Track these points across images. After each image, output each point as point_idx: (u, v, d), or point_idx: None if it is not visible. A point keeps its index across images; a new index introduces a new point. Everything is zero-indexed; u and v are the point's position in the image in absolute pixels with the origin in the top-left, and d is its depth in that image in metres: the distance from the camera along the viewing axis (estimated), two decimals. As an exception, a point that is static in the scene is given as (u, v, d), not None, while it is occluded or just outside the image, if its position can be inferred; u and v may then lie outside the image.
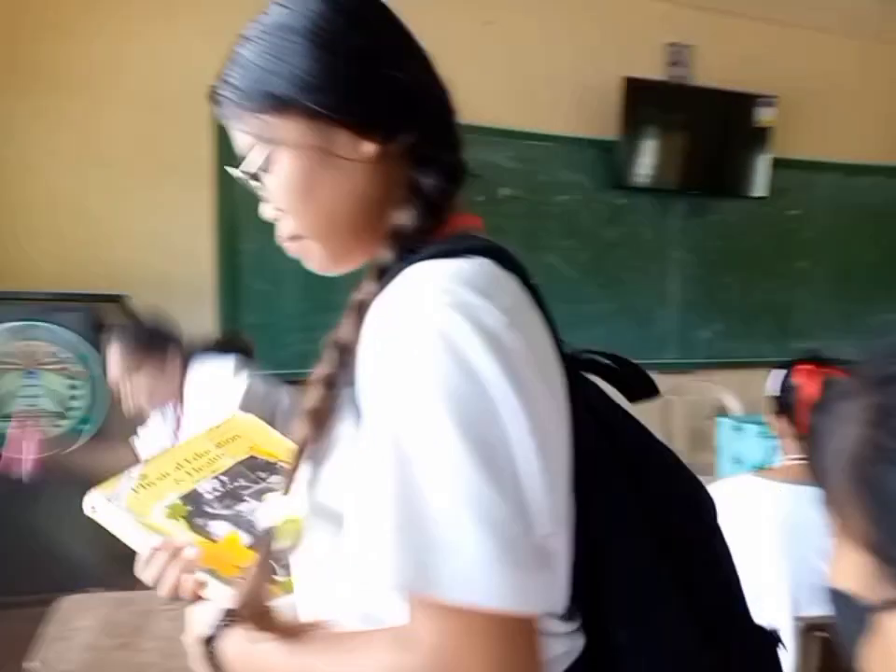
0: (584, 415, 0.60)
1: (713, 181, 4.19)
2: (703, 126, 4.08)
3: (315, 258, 0.68)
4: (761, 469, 1.71)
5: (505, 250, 0.60)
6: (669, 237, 4.23)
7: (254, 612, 0.65)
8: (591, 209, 4.05)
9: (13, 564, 1.85)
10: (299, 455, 0.61)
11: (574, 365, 0.66)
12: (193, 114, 3.28)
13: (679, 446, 3.70)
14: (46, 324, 2.63)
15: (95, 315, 2.71)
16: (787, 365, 1.48)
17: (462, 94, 3.17)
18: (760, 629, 0.70)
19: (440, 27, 3.64)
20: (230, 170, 0.68)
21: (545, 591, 0.51)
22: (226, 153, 3.35)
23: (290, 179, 0.63)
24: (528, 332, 0.55)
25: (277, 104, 0.61)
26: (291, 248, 0.68)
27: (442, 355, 0.49)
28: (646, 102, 3.95)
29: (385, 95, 0.63)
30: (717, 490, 1.49)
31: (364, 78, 0.62)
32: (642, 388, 0.72)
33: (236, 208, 3.34)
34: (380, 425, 0.51)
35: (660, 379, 3.34)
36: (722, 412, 3.62)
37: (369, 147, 0.62)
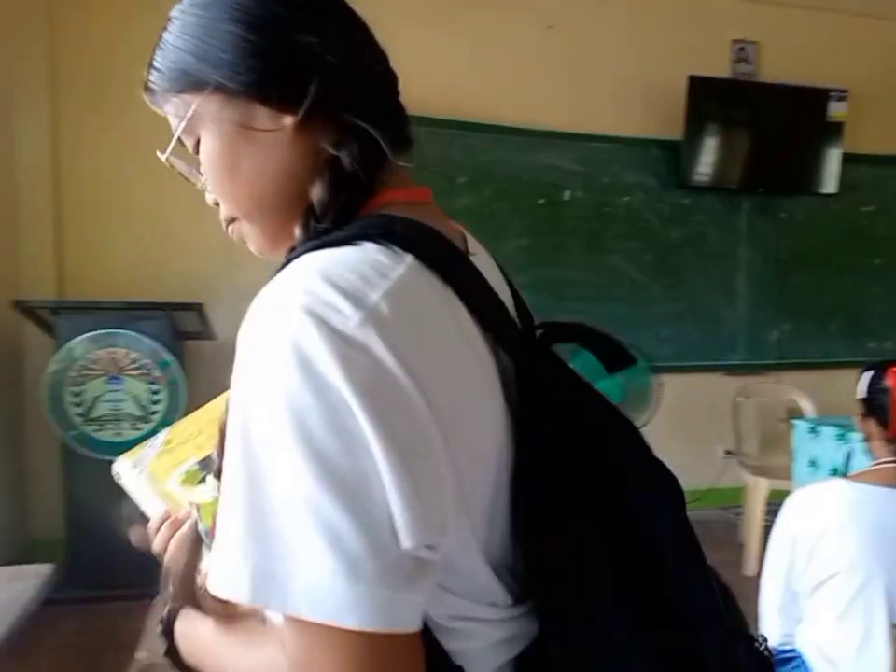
0: (543, 410, 0.58)
1: (781, 178, 4.10)
2: (770, 122, 4.00)
3: (252, 239, 0.66)
4: (842, 473, 1.67)
5: (412, 228, 0.56)
6: (736, 236, 4.16)
7: (186, 592, 0.67)
8: (655, 209, 4.01)
9: (115, 558, 1.93)
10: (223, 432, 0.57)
11: (539, 343, 0.66)
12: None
13: (749, 449, 3.63)
14: (127, 331, 2.74)
15: (173, 322, 2.81)
16: (876, 366, 1.44)
17: (525, 99, 3.23)
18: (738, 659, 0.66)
19: (502, 33, 3.70)
20: (159, 155, 0.66)
21: (406, 605, 0.47)
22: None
23: (213, 158, 0.62)
24: (413, 325, 0.50)
25: (193, 82, 0.60)
26: (231, 232, 0.67)
27: (290, 364, 0.46)
28: (711, 100, 3.89)
29: (299, 66, 0.59)
30: (805, 495, 1.47)
31: (276, 50, 0.59)
32: (619, 357, 0.70)
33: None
34: (234, 434, 0.48)
35: (728, 380, 3.35)
36: (794, 414, 3.54)
37: (288, 119, 0.60)
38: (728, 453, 3.93)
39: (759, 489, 3.25)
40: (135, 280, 3.19)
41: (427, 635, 0.51)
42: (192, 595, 0.67)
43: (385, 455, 0.46)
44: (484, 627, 0.57)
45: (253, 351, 0.48)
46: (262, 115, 0.60)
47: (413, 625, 0.48)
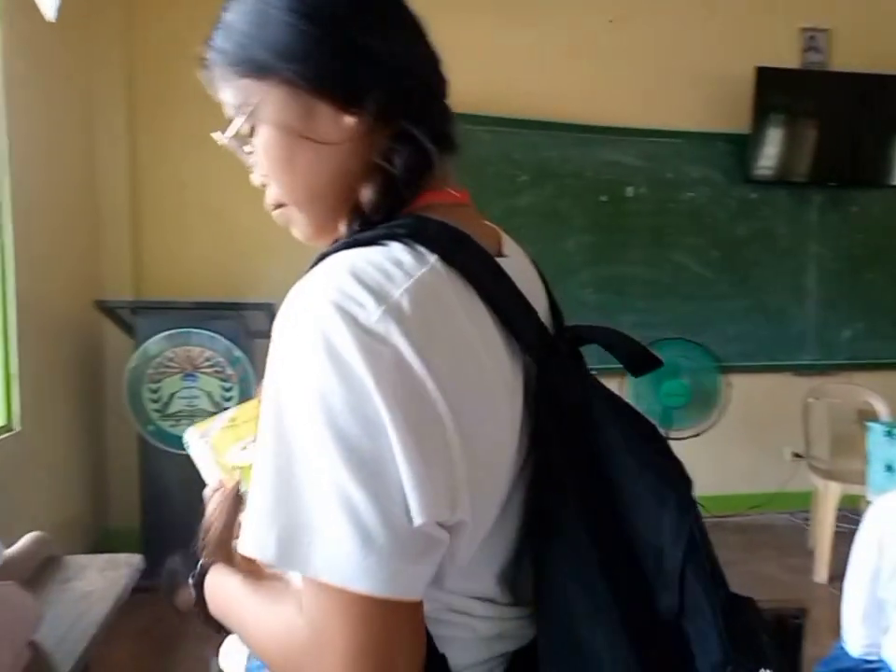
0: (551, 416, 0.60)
1: (853, 171, 3.96)
2: (842, 113, 3.87)
3: (299, 226, 0.67)
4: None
5: (441, 230, 0.58)
6: (805, 231, 4.04)
7: (222, 548, 0.71)
8: (721, 204, 3.94)
9: (188, 547, 2.02)
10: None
11: (566, 346, 0.66)
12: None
13: (819, 452, 3.54)
14: (201, 330, 2.83)
15: (244, 321, 2.90)
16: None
17: (586, 95, 3.21)
18: None
19: (563, 28, 3.68)
20: (214, 136, 0.66)
21: (413, 577, 0.52)
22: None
23: (271, 149, 0.62)
24: (430, 321, 0.53)
25: (258, 70, 0.61)
26: (277, 216, 0.68)
27: (319, 352, 0.50)
28: (780, 91, 3.79)
29: (365, 69, 0.60)
30: (891, 500, 1.44)
31: (344, 50, 0.60)
32: (643, 360, 0.68)
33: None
34: (267, 412, 0.53)
35: (797, 381, 3.27)
36: (867, 416, 3.43)
37: (349, 121, 0.61)
38: (796, 455, 3.84)
39: (830, 494, 3.17)
40: (209, 280, 3.30)
41: None
42: (227, 552, 0.72)
43: (399, 438, 0.50)
44: (477, 622, 0.61)
45: (287, 339, 0.53)
46: (325, 113, 0.61)
47: (417, 595, 0.53)
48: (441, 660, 0.59)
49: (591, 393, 0.63)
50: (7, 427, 2.43)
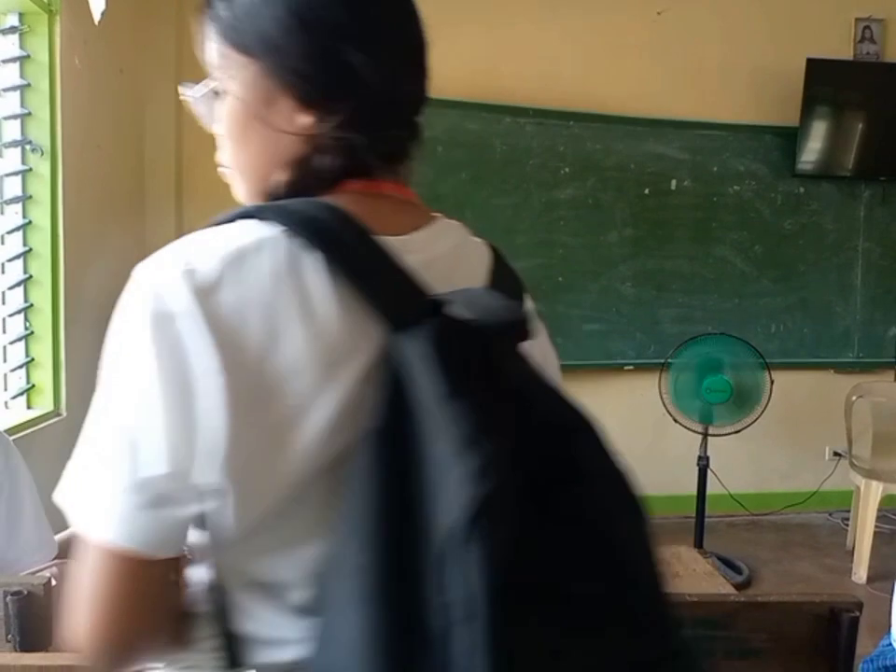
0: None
1: (906, 165, 3.87)
2: (893, 106, 3.78)
3: (238, 190, 0.70)
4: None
5: (303, 205, 0.59)
6: (854, 227, 3.96)
7: None
8: (767, 199, 3.88)
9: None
10: None
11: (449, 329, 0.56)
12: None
13: (861, 451, 3.49)
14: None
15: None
16: None
17: (632, 87, 3.19)
18: None
19: (610, 21, 3.65)
20: (181, 88, 0.71)
21: (148, 531, 0.54)
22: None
23: (230, 117, 0.66)
24: (238, 293, 0.54)
25: (242, 48, 0.63)
26: (222, 172, 0.71)
27: (119, 312, 0.56)
28: (831, 83, 3.71)
29: (341, 82, 0.62)
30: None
31: (322, 57, 0.62)
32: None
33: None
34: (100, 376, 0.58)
35: (840, 379, 3.24)
36: (913, 416, 3.37)
37: (304, 120, 0.62)
38: (836, 454, 3.79)
39: (871, 493, 3.13)
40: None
41: (223, 614, 0.58)
42: None
43: (162, 396, 0.52)
44: (273, 617, 0.58)
45: (119, 304, 0.57)
46: (285, 106, 0.62)
47: (152, 549, 0.55)
48: (238, 637, 0.58)
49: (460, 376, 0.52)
50: (56, 412, 2.53)
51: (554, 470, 0.54)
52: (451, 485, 0.48)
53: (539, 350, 0.69)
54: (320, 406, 0.54)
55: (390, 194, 0.66)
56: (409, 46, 0.66)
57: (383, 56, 0.63)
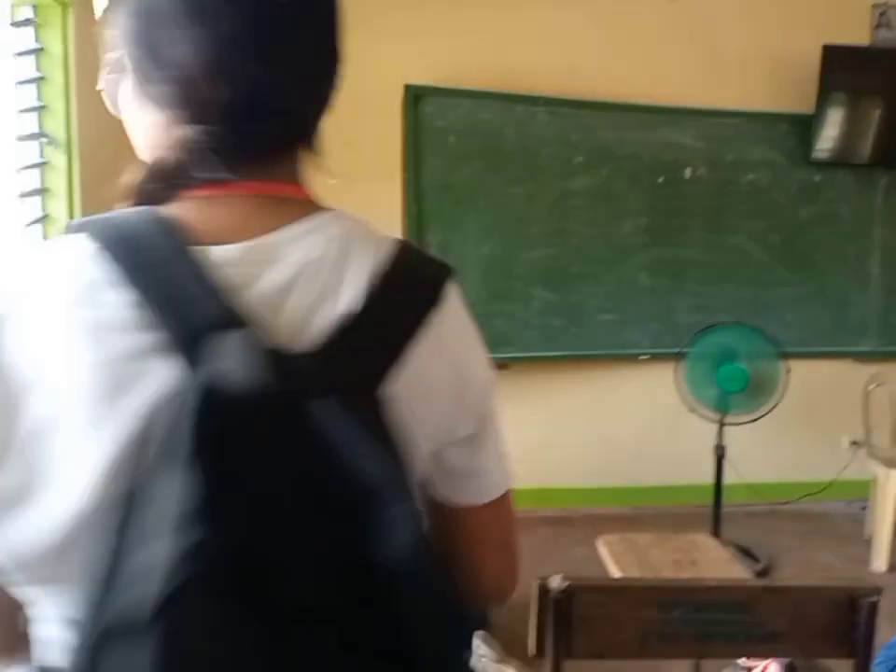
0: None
1: (922, 153, 3.83)
2: (912, 93, 3.74)
3: None
4: None
5: (112, 218, 0.58)
6: (870, 214, 3.93)
7: None
8: (782, 187, 3.84)
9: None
10: None
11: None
12: (386, 115, 3.48)
13: (880, 439, 3.46)
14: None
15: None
16: None
17: (645, 75, 3.17)
18: None
19: (623, 7, 3.62)
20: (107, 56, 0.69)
21: None
22: (413, 153, 3.53)
23: (117, 108, 0.68)
24: (16, 291, 0.55)
25: (114, 34, 0.65)
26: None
27: None
28: (847, 70, 3.67)
29: (151, 65, 0.61)
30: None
31: (140, 42, 0.61)
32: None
33: (422, 203, 3.51)
34: None
35: (857, 368, 3.22)
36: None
37: (148, 109, 0.63)
38: (854, 443, 3.76)
39: (890, 482, 3.11)
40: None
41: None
42: None
43: None
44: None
45: None
46: (136, 97, 0.64)
47: None
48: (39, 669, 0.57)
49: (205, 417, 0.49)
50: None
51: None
52: (154, 554, 0.46)
53: (414, 389, 0.58)
54: (95, 417, 0.51)
55: (245, 195, 0.61)
56: (249, 29, 0.60)
57: (207, 40, 0.59)
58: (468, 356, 0.65)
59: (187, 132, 0.60)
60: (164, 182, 0.61)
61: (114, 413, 0.51)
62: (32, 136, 2.40)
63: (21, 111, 2.37)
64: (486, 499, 0.69)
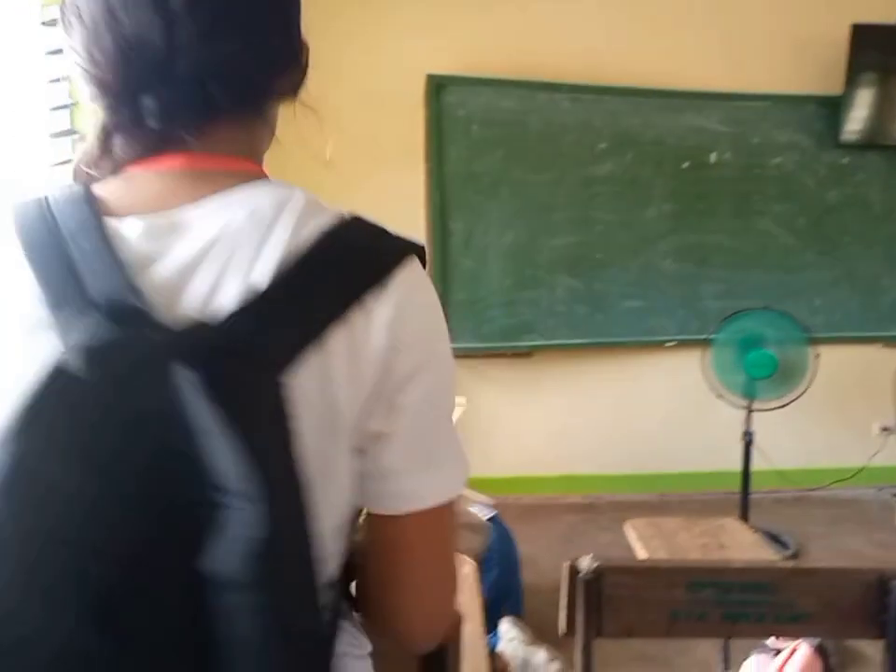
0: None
1: (956, 133, 3.75)
2: (945, 71, 3.66)
3: None
4: None
5: (23, 204, 0.60)
6: (900, 197, 3.87)
7: None
8: (810, 170, 3.79)
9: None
10: None
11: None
12: (408, 105, 3.48)
13: (911, 425, 3.42)
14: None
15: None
16: None
17: (668, 59, 3.15)
18: None
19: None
20: None
21: None
22: (436, 142, 3.53)
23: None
24: None
25: None
26: None
27: None
28: (877, 50, 3.60)
29: (68, 31, 0.61)
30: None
31: (63, 11, 0.61)
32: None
33: (445, 191, 3.52)
34: None
35: (888, 353, 3.18)
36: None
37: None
38: (885, 430, 3.72)
39: (922, 467, 3.07)
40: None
41: None
42: None
43: None
44: None
45: None
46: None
47: None
48: None
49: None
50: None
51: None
52: None
53: (333, 374, 0.54)
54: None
55: (172, 170, 0.60)
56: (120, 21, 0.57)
57: (84, 30, 0.59)
58: (404, 343, 0.57)
59: (105, 112, 0.61)
60: (94, 162, 0.63)
61: (7, 391, 0.49)
62: (64, 133, 2.45)
63: (53, 109, 2.41)
64: (404, 510, 0.59)
